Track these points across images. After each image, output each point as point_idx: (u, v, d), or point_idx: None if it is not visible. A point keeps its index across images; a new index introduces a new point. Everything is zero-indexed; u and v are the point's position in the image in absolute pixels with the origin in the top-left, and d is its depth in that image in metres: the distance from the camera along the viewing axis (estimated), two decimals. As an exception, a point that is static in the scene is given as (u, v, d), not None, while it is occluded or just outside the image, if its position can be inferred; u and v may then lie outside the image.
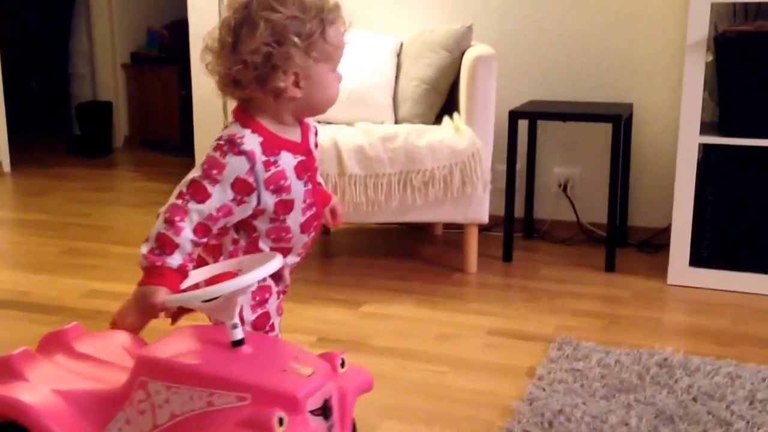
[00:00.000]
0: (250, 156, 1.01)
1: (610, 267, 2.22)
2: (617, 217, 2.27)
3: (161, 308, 0.99)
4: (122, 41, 4.27)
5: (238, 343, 1.00)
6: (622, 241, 2.41)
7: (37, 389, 1.04)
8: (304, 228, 1.11)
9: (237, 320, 0.99)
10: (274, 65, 0.99)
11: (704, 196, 2.07)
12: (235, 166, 1.01)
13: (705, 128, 2.05)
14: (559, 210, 2.57)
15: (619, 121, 2.18)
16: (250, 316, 1.11)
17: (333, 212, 1.25)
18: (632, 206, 2.48)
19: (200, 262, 1.12)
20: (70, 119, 4.35)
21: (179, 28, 3.98)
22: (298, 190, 1.07)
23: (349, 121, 2.32)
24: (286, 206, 1.06)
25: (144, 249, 1.00)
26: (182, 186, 1.01)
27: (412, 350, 1.70)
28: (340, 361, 1.06)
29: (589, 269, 2.25)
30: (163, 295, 0.99)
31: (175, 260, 1.00)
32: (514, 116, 2.29)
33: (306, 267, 2.25)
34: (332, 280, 2.21)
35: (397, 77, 2.39)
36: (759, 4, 2.13)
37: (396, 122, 2.33)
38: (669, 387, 1.48)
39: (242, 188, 1.02)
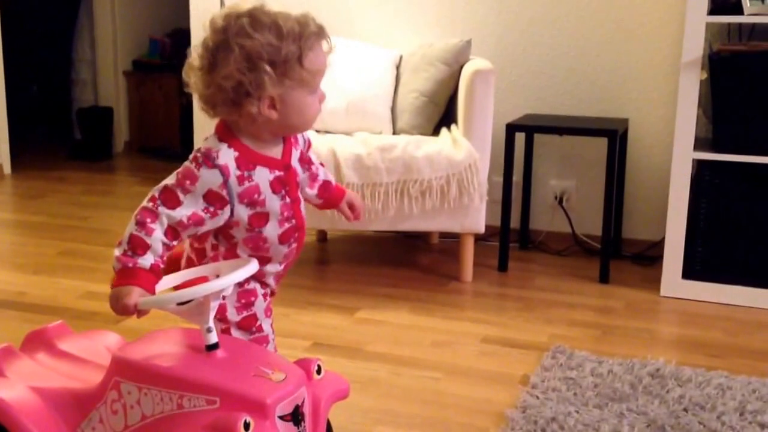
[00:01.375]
0: (223, 170, 1.03)
1: (604, 278, 2.24)
2: (612, 229, 2.29)
3: (134, 309, 0.98)
4: (124, 49, 4.30)
5: (213, 347, 1.00)
6: (616, 253, 2.43)
7: (13, 385, 1.05)
8: (282, 240, 1.11)
9: (211, 324, 0.99)
10: (246, 92, 1.00)
11: (697, 210, 2.10)
12: (208, 179, 1.02)
13: (699, 144, 2.08)
14: (555, 221, 2.59)
15: (614, 135, 2.21)
16: (235, 317, 1.12)
17: (351, 206, 1.26)
18: (626, 219, 2.50)
19: (189, 263, 1.13)
20: (71, 124, 4.37)
21: (180, 37, 4.02)
22: (273, 204, 1.08)
23: (348, 131, 2.34)
24: (260, 219, 1.07)
25: (117, 252, 1.00)
26: (155, 191, 1.02)
27: (406, 356, 1.71)
28: (315, 368, 1.06)
29: (584, 280, 2.26)
30: (136, 295, 0.98)
31: (147, 261, 1.00)
32: (511, 129, 2.31)
33: (302, 273, 2.27)
34: (328, 286, 2.22)
35: (396, 89, 2.41)
36: (753, 24, 2.17)
37: (394, 133, 2.35)
38: (661, 397, 1.49)
39: (215, 200, 1.03)
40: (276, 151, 1.09)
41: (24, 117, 4.29)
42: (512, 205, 2.34)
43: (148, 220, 1.00)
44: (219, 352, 1.00)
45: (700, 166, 2.11)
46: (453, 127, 2.29)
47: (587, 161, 2.53)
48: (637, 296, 2.13)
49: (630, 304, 2.08)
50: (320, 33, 1.04)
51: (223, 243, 1.09)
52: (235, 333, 1.12)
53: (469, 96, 2.15)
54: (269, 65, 1.00)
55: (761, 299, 2.04)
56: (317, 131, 2.38)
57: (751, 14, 1.98)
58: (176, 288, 1.05)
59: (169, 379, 0.97)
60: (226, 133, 1.06)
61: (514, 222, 2.48)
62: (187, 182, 1.02)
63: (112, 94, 4.29)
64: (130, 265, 0.99)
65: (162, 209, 1.00)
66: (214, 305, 1.00)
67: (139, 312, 0.99)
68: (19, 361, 1.11)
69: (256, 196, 1.06)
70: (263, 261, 1.11)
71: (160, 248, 1.01)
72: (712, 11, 2.00)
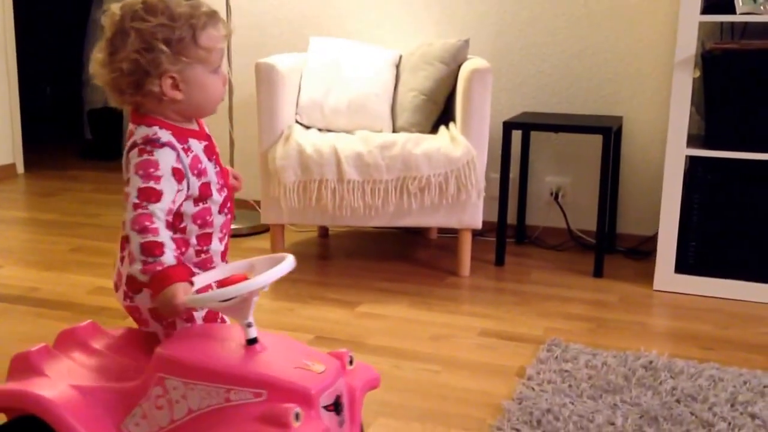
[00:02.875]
0: (171, 146, 1.06)
1: (598, 272, 2.26)
2: (606, 224, 2.31)
3: (184, 308, 1.00)
4: (135, 50, 4.31)
5: (252, 342, 1.02)
6: (611, 248, 2.46)
7: (57, 385, 1.06)
8: (221, 208, 1.15)
9: (251, 319, 1.02)
10: (145, 71, 1.04)
11: (690, 205, 2.11)
12: (165, 157, 1.05)
13: (691, 141, 2.09)
14: (551, 217, 2.61)
15: (609, 133, 2.23)
16: (200, 313, 1.13)
17: (235, 177, 1.28)
18: (621, 214, 2.52)
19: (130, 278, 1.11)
20: (83, 124, 4.40)
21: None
22: (211, 171, 1.12)
23: (349, 129, 2.36)
24: (207, 188, 1.11)
25: (137, 267, 1.00)
26: (132, 199, 1.02)
27: (406, 350, 1.73)
28: (348, 359, 1.09)
29: (579, 274, 2.28)
30: (182, 293, 0.99)
31: (169, 257, 1.01)
32: (508, 127, 2.33)
33: (304, 268, 2.30)
34: (329, 280, 2.25)
35: (395, 88, 2.42)
36: (745, 23, 2.19)
37: (394, 131, 2.36)
38: (654, 388, 1.51)
39: (178, 176, 1.06)
40: (193, 126, 1.13)
41: (37, 117, 4.31)
42: (509, 201, 2.36)
43: (147, 222, 1.01)
44: (258, 346, 1.02)
45: (692, 162, 2.13)
46: (451, 125, 2.31)
47: (582, 158, 2.55)
48: (630, 290, 2.15)
49: (624, 297, 2.10)
50: (212, 15, 1.09)
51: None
52: None
53: (467, 94, 2.17)
54: (164, 44, 1.04)
55: (752, 293, 2.06)
56: (319, 129, 2.40)
57: (743, 13, 2.00)
58: (219, 284, 1.05)
59: (216, 373, 0.98)
60: (147, 119, 1.08)
61: (511, 218, 2.50)
62: (151, 170, 1.03)
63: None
64: (159, 268, 1.00)
65: (151, 207, 1.02)
66: (255, 300, 1.01)
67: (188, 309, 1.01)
68: (57, 361, 1.11)
69: (199, 165, 1.10)
70: (206, 240, 1.13)
71: (171, 242, 1.03)
72: (704, 10, 2.02)
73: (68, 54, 4.53)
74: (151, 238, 1.00)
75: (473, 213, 2.18)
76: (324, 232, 2.68)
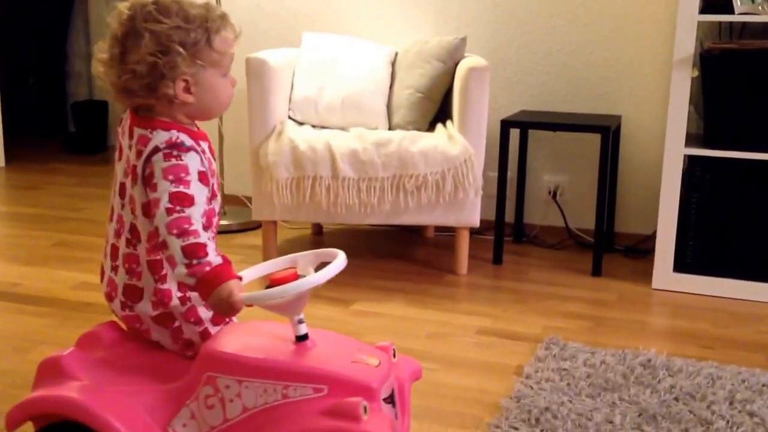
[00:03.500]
0: (195, 150, 1.05)
1: (596, 271, 2.26)
2: (604, 223, 2.30)
3: (242, 305, 0.97)
4: (119, 42, 4.28)
5: (303, 338, 1.02)
6: (609, 247, 2.45)
7: (99, 389, 1.03)
8: (220, 208, 1.15)
9: (302, 316, 1.02)
10: (161, 74, 1.03)
11: (688, 204, 2.11)
12: (192, 161, 1.04)
13: (690, 140, 2.09)
14: (549, 216, 2.61)
15: (607, 131, 2.22)
16: (207, 314, 1.11)
17: None
18: (619, 213, 2.52)
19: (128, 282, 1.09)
20: (66, 117, 4.34)
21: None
22: (215, 171, 1.12)
23: (344, 127, 2.34)
24: (214, 189, 1.11)
25: (183, 270, 0.97)
26: (164, 204, 0.99)
27: (402, 348, 1.68)
28: (392, 352, 1.09)
29: (577, 273, 2.28)
30: (237, 290, 0.97)
31: (213, 256, 0.99)
32: (506, 125, 2.33)
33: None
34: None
35: (391, 85, 2.41)
36: (743, 23, 2.19)
37: (390, 129, 2.35)
38: (652, 387, 1.51)
39: (204, 180, 1.05)
40: (194, 126, 1.13)
41: (20, 110, 4.27)
42: (507, 200, 2.36)
43: (185, 225, 0.98)
44: (309, 342, 1.02)
45: (691, 161, 2.13)
46: (448, 122, 2.30)
47: (581, 157, 2.54)
48: (629, 289, 2.15)
49: (622, 296, 2.10)
50: (225, 17, 1.08)
51: None
52: (212, 329, 1.12)
53: (465, 93, 2.16)
54: (180, 47, 1.03)
55: (751, 292, 2.06)
56: (313, 126, 2.39)
57: (741, 13, 2.00)
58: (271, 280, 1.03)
59: (273, 370, 0.98)
60: (159, 122, 1.06)
61: (509, 216, 2.49)
62: (182, 174, 1.01)
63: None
64: (207, 269, 0.97)
65: (187, 211, 0.99)
66: (307, 298, 1.01)
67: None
68: (89, 364, 1.08)
69: (212, 166, 1.10)
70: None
71: (212, 243, 1.01)
72: (703, 10, 2.02)
73: (51, 45, 4.47)
74: (192, 240, 0.98)
75: (471, 211, 2.17)
76: (318, 229, 2.67)
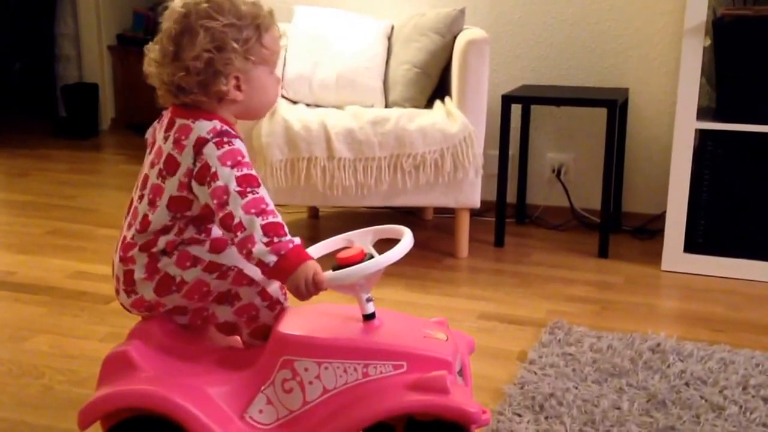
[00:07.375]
0: (241, 137, 1.08)
1: (603, 253, 2.21)
2: (611, 202, 2.26)
3: (325, 286, 1.01)
4: (108, 23, 4.21)
5: (371, 317, 1.05)
6: (616, 227, 2.41)
7: (173, 379, 1.03)
8: None
9: (371, 294, 1.06)
10: (215, 70, 1.05)
11: (700, 182, 2.07)
12: (242, 147, 1.06)
13: (702, 114, 2.04)
14: (552, 195, 2.56)
15: (614, 106, 2.16)
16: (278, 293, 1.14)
17: None
18: (626, 192, 2.47)
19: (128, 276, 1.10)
20: (56, 101, 4.28)
21: (165, 10, 3.92)
22: None
23: (339, 105, 2.29)
24: None
25: (263, 248, 0.99)
26: (234, 188, 1.01)
27: None
28: (447, 326, 1.13)
29: (582, 255, 2.24)
30: (319, 269, 1.01)
31: (292, 237, 1.02)
32: (507, 101, 2.27)
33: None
34: (321, 261, 2.17)
35: (387, 61, 2.35)
36: (757, -13, 2.11)
37: (386, 106, 2.30)
38: (662, 372, 1.47)
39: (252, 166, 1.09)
40: (235, 125, 1.17)
41: (7, 95, 4.21)
42: (508, 179, 2.31)
43: (263, 205, 1.01)
44: (377, 321, 1.05)
45: (702, 136, 2.08)
46: (447, 99, 2.24)
47: (586, 133, 2.49)
48: (637, 271, 2.11)
49: (630, 278, 2.05)
50: (273, 15, 1.11)
51: (192, 230, 1.09)
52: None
53: (464, 67, 2.10)
54: (234, 43, 1.06)
55: (765, 272, 2.02)
56: (307, 104, 2.32)
57: (756, -23, 1.92)
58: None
59: (351, 349, 1.01)
60: (201, 113, 1.07)
61: (511, 196, 2.45)
62: (240, 158, 1.03)
63: (97, 70, 4.21)
64: (290, 246, 1.00)
65: (259, 190, 1.02)
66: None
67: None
68: (155, 357, 1.08)
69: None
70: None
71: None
72: (715, -26, 1.95)
73: (38, 27, 4.39)
74: (271, 219, 1.01)
75: (471, 192, 2.11)
76: (314, 212, 2.62)
